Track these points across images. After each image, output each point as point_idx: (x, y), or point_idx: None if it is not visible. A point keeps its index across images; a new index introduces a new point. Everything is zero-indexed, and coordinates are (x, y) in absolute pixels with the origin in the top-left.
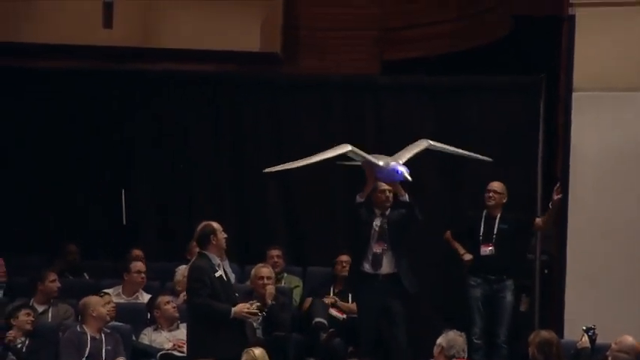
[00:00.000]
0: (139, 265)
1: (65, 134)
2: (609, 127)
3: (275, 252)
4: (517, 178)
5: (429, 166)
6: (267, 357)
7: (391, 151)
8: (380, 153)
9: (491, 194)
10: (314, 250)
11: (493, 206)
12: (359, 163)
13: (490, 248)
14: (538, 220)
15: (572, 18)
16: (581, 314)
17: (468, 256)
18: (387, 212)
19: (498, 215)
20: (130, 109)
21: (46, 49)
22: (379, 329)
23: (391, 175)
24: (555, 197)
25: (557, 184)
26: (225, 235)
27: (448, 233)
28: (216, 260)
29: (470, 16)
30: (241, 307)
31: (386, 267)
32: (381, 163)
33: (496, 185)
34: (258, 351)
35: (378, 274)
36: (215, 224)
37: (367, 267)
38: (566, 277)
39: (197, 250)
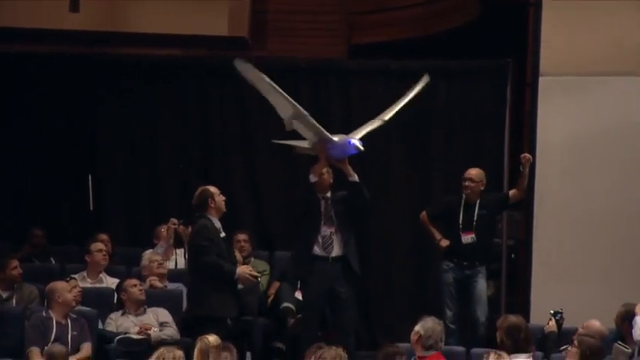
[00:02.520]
0: (98, 245)
1: (31, 118)
2: (576, 111)
3: (242, 236)
4: (484, 161)
5: (397, 151)
6: (220, 344)
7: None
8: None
9: (467, 183)
10: (281, 235)
11: (470, 194)
12: (309, 147)
13: (472, 236)
14: (512, 191)
15: (539, 2)
16: (548, 299)
17: (444, 242)
18: (329, 194)
19: (477, 201)
20: (98, 94)
21: (12, 33)
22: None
23: (344, 149)
24: (524, 160)
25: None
26: (224, 198)
27: (424, 214)
28: (218, 223)
29: (438, 0)
30: (244, 269)
31: (336, 249)
32: (335, 138)
33: (473, 173)
34: (212, 338)
35: (328, 256)
36: (212, 188)
37: (318, 250)
38: (532, 261)
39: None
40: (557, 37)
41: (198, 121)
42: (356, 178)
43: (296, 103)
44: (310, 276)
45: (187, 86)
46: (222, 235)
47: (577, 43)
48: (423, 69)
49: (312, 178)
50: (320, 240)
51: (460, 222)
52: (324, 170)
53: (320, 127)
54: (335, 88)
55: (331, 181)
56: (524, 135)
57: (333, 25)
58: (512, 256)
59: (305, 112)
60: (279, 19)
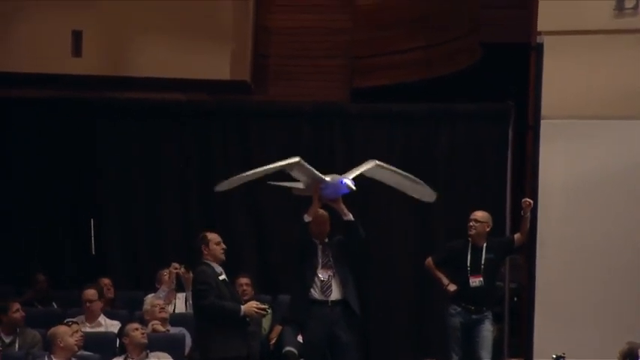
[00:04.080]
0: (89, 294)
1: (33, 163)
2: (578, 155)
3: (243, 280)
4: (486, 205)
5: (399, 193)
6: None
7: (360, 178)
8: None
9: (472, 223)
10: (284, 278)
11: (476, 235)
12: (302, 187)
13: (480, 279)
14: (516, 235)
15: (541, 46)
16: (550, 342)
17: (452, 287)
18: (326, 240)
19: (484, 245)
20: (100, 138)
21: (13, 78)
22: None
23: (337, 189)
24: (525, 205)
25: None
26: (223, 247)
27: (429, 261)
28: (218, 268)
29: (439, 44)
30: (251, 304)
31: (335, 293)
32: (328, 178)
33: (479, 215)
34: None
35: (327, 300)
36: (209, 234)
37: (316, 294)
38: (535, 305)
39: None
40: (559, 80)
41: (200, 165)
42: (351, 217)
43: (281, 162)
44: (309, 320)
45: (189, 130)
46: (222, 278)
47: (579, 86)
48: (425, 112)
49: (307, 218)
50: (318, 284)
51: (468, 265)
52: (321, 216)
53: (312, 168)
54: (338, 132)
55: (329, 227)
56: (526, 178)
57: (335, 68)
58: (515, 299)
59: (294, 160)
60: (281, 63)
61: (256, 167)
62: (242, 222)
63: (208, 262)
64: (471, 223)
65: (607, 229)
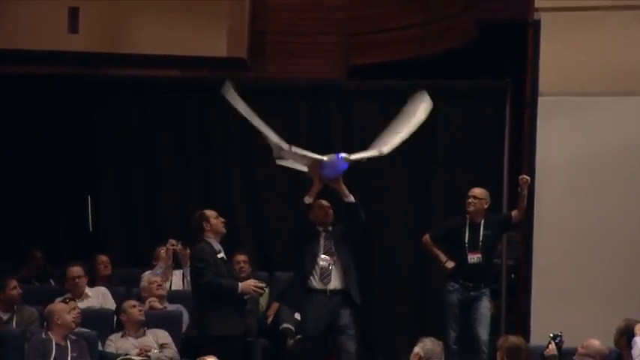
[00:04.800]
0: (75, 271)
1: (30, 139)
2: (575, 132)
3: (241, 257)
4: (484, 182)
5: (397, 171)
6: None
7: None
8: None
9: (470, 200)
10: (281, 256)
11: (475, 212)
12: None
13: (478, 256)
14: (514, 212)
15: (538, 23)
16: (548, 319)
17: (450, 264)
18: (330, 228)
19: (482, 222)
20: (96, 115)
21: (10, 55)
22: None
23: (335, 166)
24: (522, 182)
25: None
26: (222, 220)
27: (427, 237)
28: (217, 245)
29: (436, 20)
30: (248, 282)
31: (335, 281)
32: (325, 158)
33: (477, 191)
34: (210, 359)
35: (326, 289)
36: (208, 211)
37: (315, 282)
38: (532, 282)
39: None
40: (556, 57)
41: (198, 142)
42: (352, 198)
43: (277, 137)
44: (308, 307)
45: (187, 107)
46: (221, 255)
47: (576, 63)
48: (422, 89)
49: (307, 200)
50: (318, 271)
51: (466, 242)
52: (324, 205)
53: (305, 151)
54: (334, 109)
55: (332, 216)
56: (524, 155)
57: (332, 46)
58: (512, 276)
59: (287, 145)
60: (277, 40)
61: (253, 144)
62: (239, 199)
63: (207, 239)
64: (469, 200)
65: (604, 205)
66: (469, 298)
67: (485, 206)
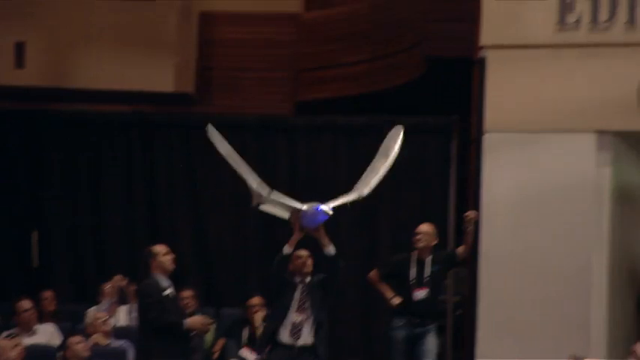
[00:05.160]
0: (24, 304)
1: None
2: (521, 168)
3: (187, 293)
4: (430, 218)
5: (343, 207)
6: None
7: (304, 191)
8: (293, 194)
9: (419, 236)
10: (227, 292)
11: (423, 248)
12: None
13: (424, 292)
14: (460, 248)
15: (483, 60)
16: (494, 355)
17: (397, 300)
18: (307, 280)
19: (429, 258)
20: (44, 150)
21: None
22: None
23: (315, 216)
24: (469, 218)
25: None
26: (170, 256)
27: (374, 273)
28: (165, 281)
29: (383, 57)
30: (195, 318)
31: (304, 337)
32: (304, 207)
33: (426, 228)
34: None
35: (295, 345)
36: (156, 247)
37: (285, 337)
38: (478, 318)
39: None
40: (502, 93)
41: (144, 177)
42: (332, 250)
43: (259, 180)
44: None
45: (134, 142)
46: (168, 292)
47: (521, 100)
48: (370, 125)
49: (286, 250)
50: (289, 326)
51: (412, 278)
52: (303, 254)
53: (287, 198)
54: (281, 145)
55: (309, 264)
56: (469, 191)
57: (280, 81)
58: (458, 312)
59: (266, 191)
60: (225, 75)
61: (200, 180)
62: (186, 235)
63: (155, 275)
64: (418, 236)
65: (550, 241)
66: (415, 334)
67: (433, 243)
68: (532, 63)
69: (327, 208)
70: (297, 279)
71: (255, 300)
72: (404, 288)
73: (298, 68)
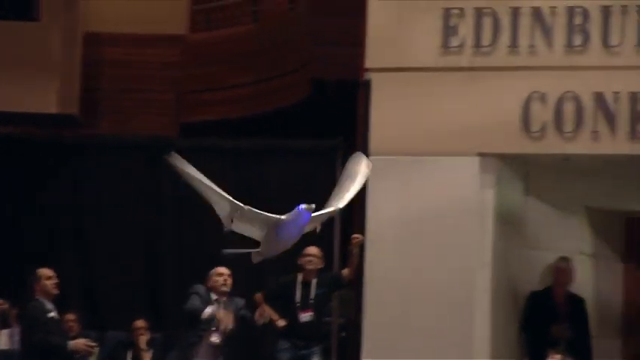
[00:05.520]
0: None
1: None
2: (405, 191)
3: (70, 316)
4: (316, 240)
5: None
6: None
7: (189, 213)
8: (175, 214)
9: (311, 258)
10: (111, 315)
11: (311, 271)
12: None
13: (309, 314)
14: (345, 270)
15: (368, 83)
16: None
17: (282, 322)
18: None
19: (314, 280)
20: None
21: None
22: None
23: (298, 220)
24: (354, 241)
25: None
26: (55, 281)
27: (259, 296)
28: (49, 304)
29: (269, 79)
30: (78, 341)
31: None
32: (283, 217)
33: (314, 250)
34: None
35: None
36: (41, 271)
37: None
38: (362, 340)
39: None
40: (386, 116)
41: (30, 199)
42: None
43: (231, 198)
44: None
45: (20, 164)
46: (52, 315)
47: (406, 123)
48: (256, 147)
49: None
50: None
51: (297, 301)
52: (227, 274)
53: (264, 213)
54: (166, 167)
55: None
56: (355, 214)
57: (165, 103)
58: (343, 334)
59: (243, 206)
60: (110, 97)
61: (86, 202)
62: (70, 257)
63: (38, 298)
64: (308, 258)
65: (435, 263)
66: (300, 356)
67: (320, 266)
68: (416, 86)
69: (306, 205)
70: (214, 297)
71: (140, 323)
72: (289, 310)
73: (184, 90)
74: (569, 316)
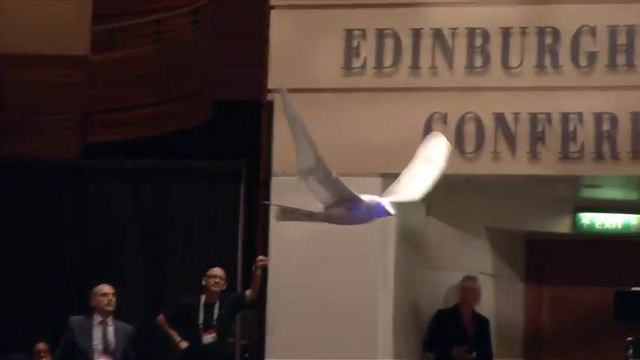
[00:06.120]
0: None
1: None
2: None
3: None
4: (219, 261)
5: (132, 248)
6: None
7: (93, 234)
8: (79, 238)
9: (217, 280)
10: (12, 336)
11: (215, 292)
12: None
13: (212, 335)
14: (248, 291)
15: (271, 104)
16: None
17: (184, 344)
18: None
19: (218, 301)
20: None
21: None
22: None
23: (371, 212)
24: (258, 263)
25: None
26: None
27: (161, 317)
28: None
29: (172, 100)
30: None
31: None
32: (365, 198)
33: (219, 271)
34: None
35: None
36: None
37: None
38: None
39: None
40: (289, 137)
41: None
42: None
43: (323, 158)
44: None
45: None
46: None
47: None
48: (158, 169)
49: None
50: None
51: (200, 322)
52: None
53: (348, 188)
54: (70, 187)
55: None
56: (258, 235)
57: (68, 124)
58: (246, 356)
59: (332, 172)
60: (12, 118)
61: None
62: None
63: None
64: (216, 280)
65: (338, 283)
66: None
67: (224, 287)
68: (319, 107)
69: (390, 207)
70: (98, 318)
71: (41, 346)
72: (192, 331)
73: (87, 111)
74: (475, 336)
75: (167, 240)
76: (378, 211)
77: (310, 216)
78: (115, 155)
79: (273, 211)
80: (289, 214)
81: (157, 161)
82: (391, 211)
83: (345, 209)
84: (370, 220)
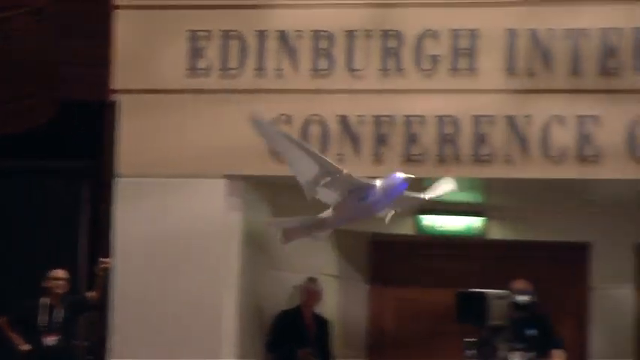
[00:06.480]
0: None
1: None
2: (153, 213)
3: None
4: (62, 262)
5: None
6: None
7: None
8: None
9: (60, 282)
10: None
11: (56, 294)
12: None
13: (55, 338)
14: (91, 293)
15: (114, 104)
16: None
17: (25, 347)
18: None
19: (60, 303)
20: None
21: None
22: None
23: (391, 191)
24: (102, 264)
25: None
26: None
27: (3, 320)
28: None
29: (16, 99)
30: None
31: None
32: (377, 182)
33: (62, 273)
34: None
35: None
36: None
37: None
38: None
39: None
40: (133, 138)
41: None
42: None
43: (329, 160)
44: None
45: None
46: None
47: (153, 145)
48: (1, 168)
49: None
50: None
51: (42, 324)
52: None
53: (360, 178)
54: None
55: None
56: (102, 236)
57: None
58: (90, 357)
59: (341, 170)
60: None
61: None
62: None
63: None
64: (60, 282)
65: (183, 284)
66: None
67: (67, 288)
68: (163, 108)
69: (404, 174)
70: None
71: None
72: (34, 334)
73: None
74: (316, 337)
75: (8, 241)
76: (395, 186)
77: (318, 227)
78: None
79: (278, 236)
80: (293, 234)
81: (1, 161)
82: (407, 177)
83: (358, 200)
84: (389, 203)
